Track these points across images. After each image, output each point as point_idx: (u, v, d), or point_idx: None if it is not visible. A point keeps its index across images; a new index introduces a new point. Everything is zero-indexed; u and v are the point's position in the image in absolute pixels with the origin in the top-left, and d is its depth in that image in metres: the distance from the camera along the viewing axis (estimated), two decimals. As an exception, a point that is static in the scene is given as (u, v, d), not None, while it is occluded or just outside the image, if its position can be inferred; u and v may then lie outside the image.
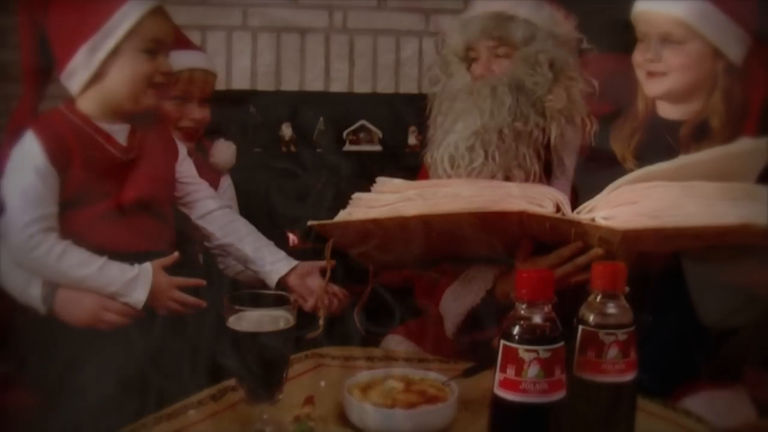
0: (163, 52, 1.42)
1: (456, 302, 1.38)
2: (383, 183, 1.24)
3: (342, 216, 1.22)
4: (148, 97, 1.41)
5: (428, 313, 1.56)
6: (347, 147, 2.42)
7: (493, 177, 1.33)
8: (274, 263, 1.53)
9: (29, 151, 1.33)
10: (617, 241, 1.12)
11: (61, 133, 1.35)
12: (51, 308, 1.35)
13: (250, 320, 0.95)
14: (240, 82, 2.31)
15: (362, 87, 2.41)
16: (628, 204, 1.12)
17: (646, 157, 1.28)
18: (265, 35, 2.32)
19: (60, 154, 1.34)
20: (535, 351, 0.74)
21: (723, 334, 1.26)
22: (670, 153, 1.24)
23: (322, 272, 1.50)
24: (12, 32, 1.49)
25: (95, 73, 1.36)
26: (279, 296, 0.98)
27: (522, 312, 0.77)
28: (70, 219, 1.37)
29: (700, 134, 1.33)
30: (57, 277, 1.34)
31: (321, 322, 1.30)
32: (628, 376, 0.83)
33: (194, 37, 2.23)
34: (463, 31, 1.39)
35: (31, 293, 1.36)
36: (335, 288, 1.48)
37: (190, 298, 1.41)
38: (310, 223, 1.22)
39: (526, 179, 1.35)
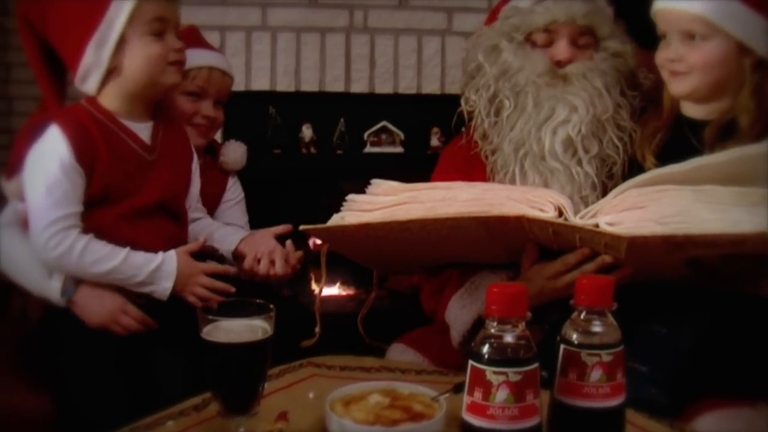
0: (169, 30, 1.38)
1: (462, 310, 1.32)
2: (378, 185, 1.19)
3: (335, 220, 1.18)
4: (168, 76, 1.38)
5: (434, 321, 1.51)
6: (368, 149, 2.38)
7: (609, 167, 1.28)
8: (230, 240, 1.54)
9: (54, 147, 1.30)
10: (624, 249, 1.05)
11: (86, 128, 1.33)
12: (69, 302, 1.34)
13: (225, 330, 0.91)
14: (259, 82, 2.28)
15: (383, 87, 2.36)
16: (635, 209, 1.05)
17: (668, 158, 1.21)
18: (285, 35, 2.29)
19: (86, 150, 1.31)
20: (504, 373, 0.68)
21: (744, 344, 1.18)
22: (693, 154, 1.17)
23: (278, 237, 1.52)
24: (13, 35, 1.48)
25: (108, 68, 1.34)
26: (256, 305, 0.93)
27: (492, 330, 0.71)
28: (93, 218, 1.35)
29: (726, 134, 1.25)
30: (81, 272, 1.32)
31: (317, 329, 1.26)
32: (614, 402, 0.76)
33: (213, 37, 2.22)
34: (549, 10, 1.33)
35: (51, 285, 1.35)
36: (285, 250, 1.47)
37: (219, 284, 1.39)
38: (301, 227, 1.19)
39: (623, 171, 1.30)
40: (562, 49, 1.32)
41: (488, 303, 0.72)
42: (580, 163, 1.26)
